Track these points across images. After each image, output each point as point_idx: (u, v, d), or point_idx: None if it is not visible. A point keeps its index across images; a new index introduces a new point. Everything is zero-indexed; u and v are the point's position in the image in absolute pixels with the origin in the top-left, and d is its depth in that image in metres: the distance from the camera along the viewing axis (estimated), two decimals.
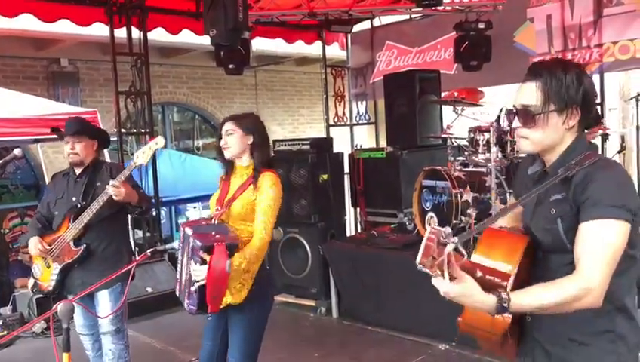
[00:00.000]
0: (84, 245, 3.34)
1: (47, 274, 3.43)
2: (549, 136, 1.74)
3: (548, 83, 1.71)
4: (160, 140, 3.09)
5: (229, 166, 2.91)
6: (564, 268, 1.66)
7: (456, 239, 1.46)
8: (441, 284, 1.51)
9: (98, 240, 3.41)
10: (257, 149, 2.83)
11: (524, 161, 2.04)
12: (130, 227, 6.46)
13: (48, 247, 3.38)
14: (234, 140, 2.82)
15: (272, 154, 3.00)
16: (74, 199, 3.41)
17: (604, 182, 1.63)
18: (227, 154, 2.86)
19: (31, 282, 3.55)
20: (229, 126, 2.85)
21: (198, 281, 2.47)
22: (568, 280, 1.58)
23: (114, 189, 3.05)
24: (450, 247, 1.45)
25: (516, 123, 1.78)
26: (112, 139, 7.22)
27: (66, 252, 3.36)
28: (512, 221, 2.02)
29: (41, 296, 5.45)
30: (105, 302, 3.39)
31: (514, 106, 1.79)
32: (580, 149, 1.74)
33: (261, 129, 2.90)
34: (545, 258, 1.76)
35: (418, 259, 1.44)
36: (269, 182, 2.71)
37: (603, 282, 1.56)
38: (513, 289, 1.59)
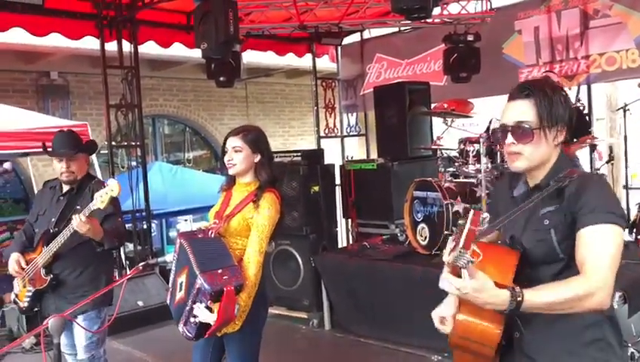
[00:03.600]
0: (51, 276, 3.29)
1: (23, 293, 3.41)
2: (542, 152, 1.79)
3: (541, 101, 1.77)
4: (115, 187, 2.98)
5: (232, 179, 2.85)
6: (552, 279, 1.72)
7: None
8: (457, 281, 1.55)
9: (70, 268, 3.35)
10: (264, 168, 2.76)
11: (500, 183, 2.07)
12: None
13: (25, 266, 3.34)
14: (241, 158, 2.74)
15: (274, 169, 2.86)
16: (52, 220, 3.34)
17: (597, 191, 1.71)
18: (231, 171, 2.78)
19: (12, 296, 3.53)
20: (235, 142, 2.75)
21: (203, 321, 2.43)
22: (577, 279, 1.62)
23: (78, 224, 3.00)
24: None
25: (510, 139, 1.80)
26: (102, 152, 7.22)
27: (37, 277, 3.32)
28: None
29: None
30: (79, 328, 3.29)
31: (504, 124, 1.82)
32: (565, 165, 1.82)
33: (267, 145, 2.83)
34: (533, 270, 1.79)
35: (460, 245, 1.48)
36: (267, 203, 2.67)
37: (610, 283, 1.62)
38: None
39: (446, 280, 1.57)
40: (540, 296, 1.60)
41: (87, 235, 3.11)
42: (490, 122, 4.65)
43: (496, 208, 2.07)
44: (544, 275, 1.77)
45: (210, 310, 2.39)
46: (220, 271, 2.44)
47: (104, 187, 3.16)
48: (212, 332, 2.46)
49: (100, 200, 3.00)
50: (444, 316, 1.92)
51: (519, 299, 1.57)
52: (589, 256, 1.63)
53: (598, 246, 1.63)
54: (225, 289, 2.37)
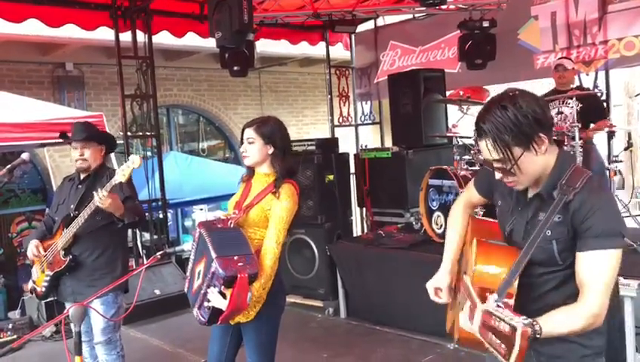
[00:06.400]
0: (71, 256, 3.35)
1: (41, 279, 3.47)
2: (533, 171, 1.78)
3: (497, 135, 1.71)
4: (136, 160, 3.02)
5: (252, 170, 2.87)
6: (545, 276, 1.83)
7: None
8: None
9: (89, 250, 3.41)
10: (278, 160, 2.77)
11: None
12: (135, 234, 6.51)
13: (43, 253, 3.41)
14: (254, 150, 2.77)
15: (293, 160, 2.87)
16: (71, 206, 3.41)
17: (603, 211, 1.71)
18: (247, 162, 2.82)
19: (30, 284, 3.58)
20: (249, 133, 2.78)
21: (215, 306, 2.45)
22: (580, 310, 1.67)
23: (100, 199, 3.04)
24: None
25: (498, 175, 1.82)
26: (118, 142, 7.28)
27: (56, 260, 3.38)
28: (468, 209, 2.22)
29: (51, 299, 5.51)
30: (96, 312, 3.28)
31: (488, 161, 1.81)
32: (566, 164, 1.79)
33: (282, 137, 2.82)
34: (531, 268, 1.82)
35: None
36: (285, 195, 2.68)
37: (606, 306, 1.69)
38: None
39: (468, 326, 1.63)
40: (554, 330, 1.63)
41: (108, 210, 3.16)
42: None
43: (489, 178, 2.03)
44: (539, 272, 1.83)
45: (224, 296, 2.41)
46: (235, 257, 2.45)
47: None
48: (224, 318, 2.47)
49: (121, 173, 3.04)
50: (438, 287, 2.02)
51: (538, 335, 1.58)
52: (591, 282, 1.68)
53: (600, 272, 1.68)
54: (238, 275, 2.39)
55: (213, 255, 2.44)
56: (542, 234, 1.73)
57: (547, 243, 1.76)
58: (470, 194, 2.23)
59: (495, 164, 1.77)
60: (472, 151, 4.89)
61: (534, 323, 1.58)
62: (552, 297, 1.82)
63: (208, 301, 2.46)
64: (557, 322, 1.65)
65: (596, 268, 1.69)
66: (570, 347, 1.82)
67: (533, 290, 1.84)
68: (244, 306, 2.47)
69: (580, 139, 4.45)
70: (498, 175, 1.81)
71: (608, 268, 1.69)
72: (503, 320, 1.46)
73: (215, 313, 2.47)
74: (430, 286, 2.06)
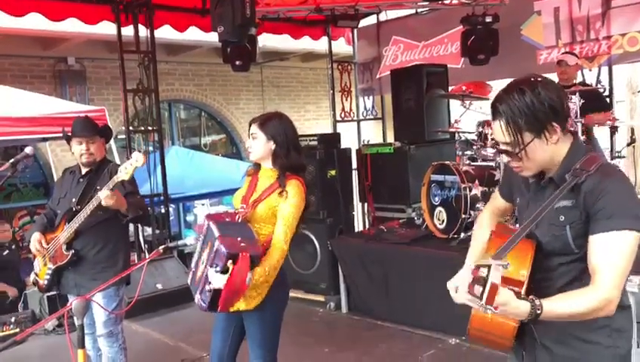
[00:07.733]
0: (73, 251, 3.37)
1: (43, 271, 3.48)
2: (541, 159, 1.75)
3: (511, 118, 1.70)
4: (139, 158, 3.02)
5: (257, 164, 2.90)
6: (562, 267, 1.77)
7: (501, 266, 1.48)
8: (476, 300, 1.53)
9: (90, 244, 3.43)
10: (280, 156, 2.78)
11: None
12: (137, 229, 6.51)
13: (46, 246, 3.42)
14: (257, 145, 2.80)
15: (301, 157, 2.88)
16: (73, 200, 3.42)
17: (616, 192, 1.65)
18: (251, 157, 2.87)
19: (32, 277, 3.60)
20: (253, 129, 2.82)
21: (215, 286, 2.46)
22: (591, 293, 1.61)
23: (105, 197, 3.05)
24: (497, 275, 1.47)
25: (505, 159, 1.82)
26: (120, 136, 7.28)
27: (58, 254, 3.40)
28: (496, 217, 2.14)
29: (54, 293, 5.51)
30: (98, 305, 3.29)
31: (497, 145, 1.82)
32: (580, 153, 1.75)
33: (286, 134, 2.81)
34: (545, 259, 1.79)
35: (483, 301, 1.46)
36: (292, 191, 2.70)
37: (619, 293, 1.62)
38: (526, 293, 1.65)
39: (464, 297, 1.56)
40: (557, 309, 1.59)
41: (113, 207, 3.17)
42: None
43: (509, 179, 2.06)
44: (556, 264, 1.78)
45: (224, 273, 2.41)
46: (239, 238, 2.48)
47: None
48: (224, 302, 2.46)
49: (124, 171, 3.05)
50: (458, 286, 1.93)
51: (538, 311, 1.56)
52: (603, 267, 1.61)
53: (612, 256, 1.61)
54: (240, 254, 2.40)
55: (217, 234, 2.46)
56: (549, 208, 1.67)
57: (561, 229, 1.72)
58: (495, 200, 2.20)
59: (503, 147, 1.77)
60: (474, 147, 4.89)
61: (534, 298, 1.56)
62: (571, 291, 1.74)
63: (209, 283, 2.46)
64: (560, 299, 1.60)
65: (609, 251, 1.61)
66: (590, 349, 1.75)
67: (551, 285, 1.78)
68: (243, 287, 2.45)
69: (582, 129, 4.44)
70: (505, 158, 1.80)
71: (622, 250, 1.60)
72: (483, 265, 1.45)
73: (215, 297, 2.47)
74: (451, 285, 1.99)
